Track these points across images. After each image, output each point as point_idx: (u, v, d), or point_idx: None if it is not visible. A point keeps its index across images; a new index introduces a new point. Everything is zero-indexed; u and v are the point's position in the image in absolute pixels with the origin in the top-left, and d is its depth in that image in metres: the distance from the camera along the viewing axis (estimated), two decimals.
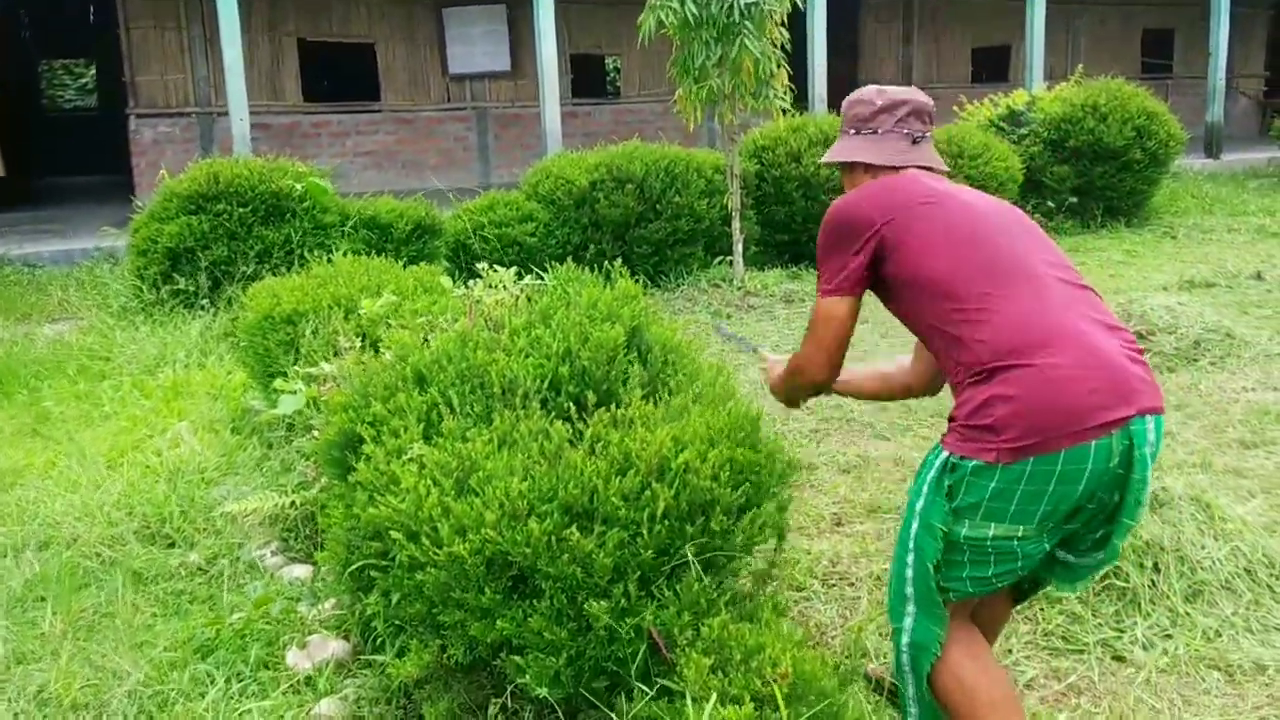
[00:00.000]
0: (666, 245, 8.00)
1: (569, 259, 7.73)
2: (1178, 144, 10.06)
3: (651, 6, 7.00)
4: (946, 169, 2.44)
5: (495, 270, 3.61)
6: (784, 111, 7.49)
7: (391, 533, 2.39)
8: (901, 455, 4.49)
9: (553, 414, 2.65)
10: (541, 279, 3.73)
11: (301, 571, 3.43)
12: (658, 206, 7.90)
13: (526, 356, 2.78)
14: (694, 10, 6.79)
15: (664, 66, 13.55)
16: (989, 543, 2.03)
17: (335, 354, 3.68)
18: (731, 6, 6.77)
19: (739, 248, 7.82)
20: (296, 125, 13.08)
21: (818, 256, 2.32)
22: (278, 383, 3.77)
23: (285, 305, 4.51)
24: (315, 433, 3.57)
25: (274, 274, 6.28)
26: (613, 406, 2.59)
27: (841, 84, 14.94)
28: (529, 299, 3.43)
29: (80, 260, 9.03)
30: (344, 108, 13.53)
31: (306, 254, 6.78)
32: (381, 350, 3.44)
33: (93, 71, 20.78)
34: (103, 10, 13.14)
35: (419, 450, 2.57)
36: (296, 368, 3.97)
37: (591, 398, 2.59)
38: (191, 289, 6.66)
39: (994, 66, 18.31)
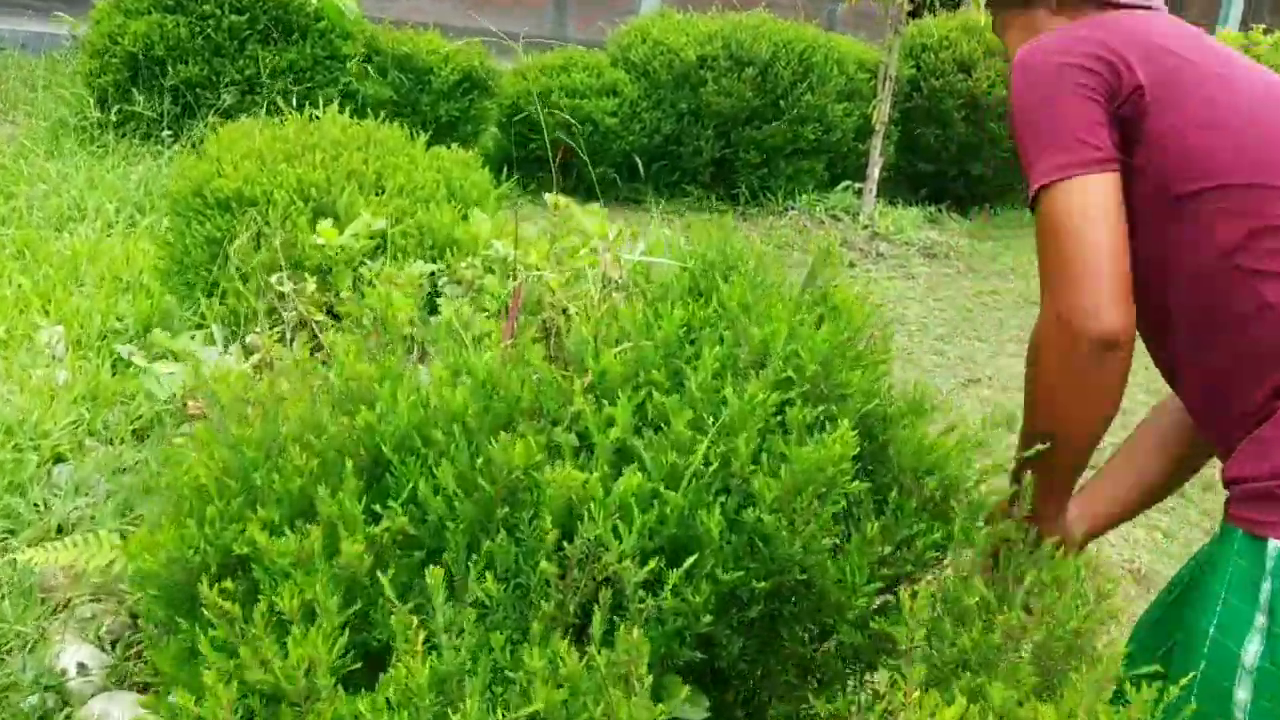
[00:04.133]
0: (781, 154, 6.15)
1: (655, 153, 6.06)
2: None
3: None
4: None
5: (571, 203, 1.89)
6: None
7: None
8: None
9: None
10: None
11: (120, 710, 1.83)
12: (780, 103, 6.03)
13: (616, 471, 1.13)
14: None
15: None
16: None
17: (261, 308, 2.01)
18: None
19: (874, 172, 5.99)
20: None
21: (1020, 134, 1.23)
22: (156, 334, 2.12)
23: (226, 182, 2.81)
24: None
25: (261, 114, 4.55)
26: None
27: None
28: (635, 284, 1.74)
29: (52, 46, 7.26)
30: None
31: (312, 91, 5.03)
32: (340, 328, 1.77)
33: None
34: None
35: None
36: (209, 304, 2.31)
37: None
38: (151, 114, 4.92)
39: None
